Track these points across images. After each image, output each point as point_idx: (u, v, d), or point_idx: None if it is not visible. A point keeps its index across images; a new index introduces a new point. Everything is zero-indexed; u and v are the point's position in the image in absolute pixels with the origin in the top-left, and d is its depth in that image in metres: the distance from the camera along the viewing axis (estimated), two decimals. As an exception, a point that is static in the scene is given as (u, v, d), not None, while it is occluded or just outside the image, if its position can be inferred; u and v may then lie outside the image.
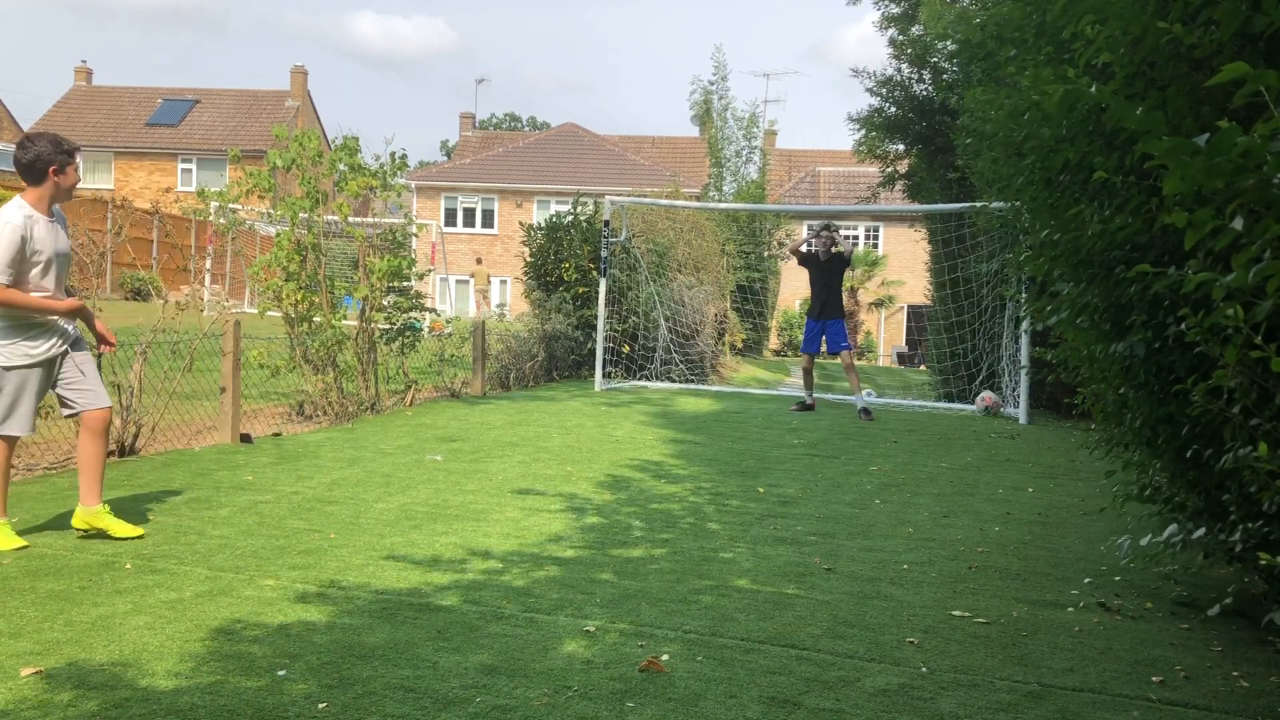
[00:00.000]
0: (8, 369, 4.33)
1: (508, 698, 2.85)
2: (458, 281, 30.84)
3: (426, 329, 11.67)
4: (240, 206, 10.78)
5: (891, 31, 13.35)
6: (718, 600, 3.85)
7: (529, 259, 14.36)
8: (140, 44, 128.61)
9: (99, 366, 4.77)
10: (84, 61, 41.86)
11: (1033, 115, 3.66)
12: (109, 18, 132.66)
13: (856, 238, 34.90)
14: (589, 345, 13.26)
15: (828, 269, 10.51)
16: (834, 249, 10.56)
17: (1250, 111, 1.77)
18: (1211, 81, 1.69)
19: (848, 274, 30.98)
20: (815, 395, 11.23)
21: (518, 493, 5.74)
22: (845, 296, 10.75)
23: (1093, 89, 2.57)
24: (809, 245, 10.92)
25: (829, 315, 10.45)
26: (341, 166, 9.23)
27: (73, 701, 2.72)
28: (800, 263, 10.98)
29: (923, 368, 25.48)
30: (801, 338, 10.89)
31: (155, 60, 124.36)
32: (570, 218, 14.19)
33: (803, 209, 32.00)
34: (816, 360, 11.17)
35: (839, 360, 10.75)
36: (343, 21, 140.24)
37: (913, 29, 12.95)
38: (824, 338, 10.49)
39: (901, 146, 13.30)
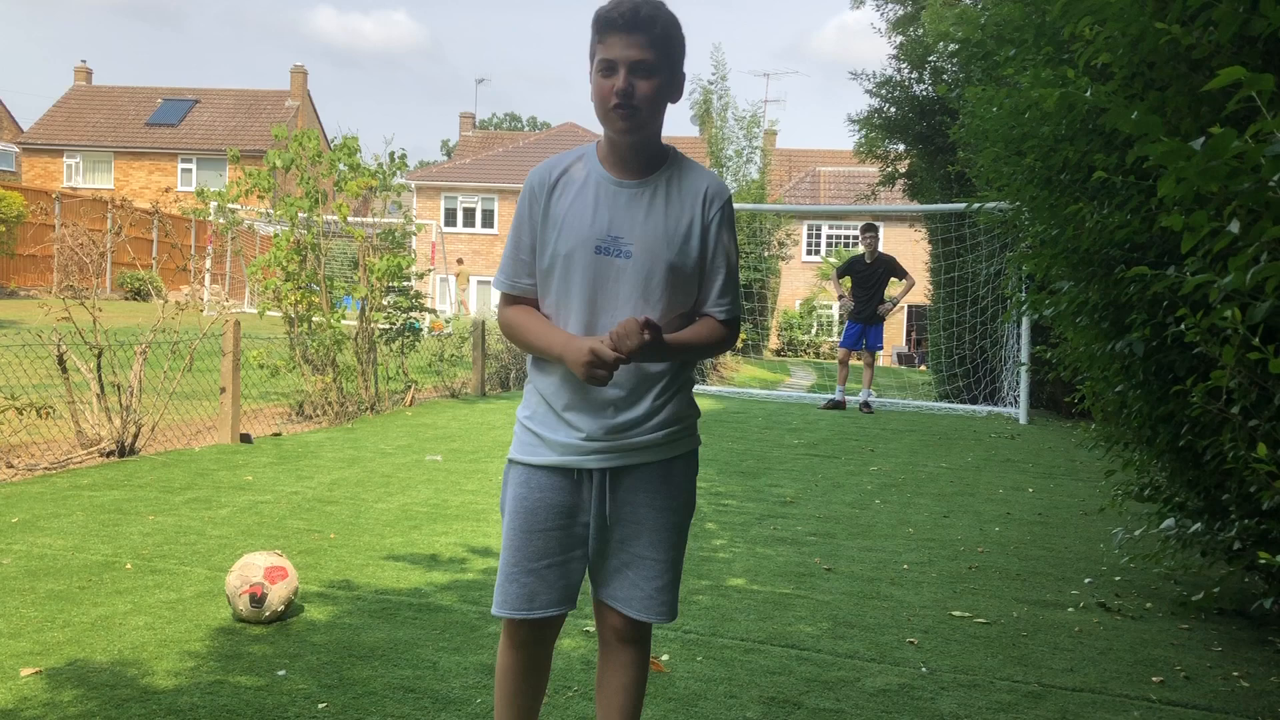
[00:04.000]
0: (510, 463, 2.16)
1: (507, 698, 2.85)
2: (440, 280, 30.87)
3: (426, 329, 11.68)
4: (240, 206, 10.79)
5: (899, 38, 13.39)
6: (717, 600, 3.85)
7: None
8: (102, 40, 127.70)
9: (674, 544, 2.14)
10: (84, 61, 41.86)
11: (1032, 114, 3.67)
12: (59, 6, 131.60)
13: (857, 238, 34.86)
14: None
15: (873, 272, 10.71)
16: (876, 251, 10.81)
17: (1249, 113, 1.77)
18: (1208, 86, 1.69)
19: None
20: (813, 396, 11.35)
21: (518, 493, 5.74)
22: (846, 296, 10.94)
23: (1088, 93, 2.57)
24: (860, 241, 11.04)
25: (874, 321, 10.74)
26: (341, 166, 9.24)
27: (72, 701, 2.72)
28: (842, 274, 11.07)
29: (923, 368, 25.48)
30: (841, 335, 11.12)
31: (140, 59, 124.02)
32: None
33: (803, 209, 31.98)
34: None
35: (859, 358, 11.06)
36: (344, 20, 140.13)
37: (913, 30, 12.96)
38: (864, 339, 10.81)
39: (902, 146, 13.33)
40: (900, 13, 13.64)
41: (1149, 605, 4.07)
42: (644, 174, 2.07)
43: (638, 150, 2.06)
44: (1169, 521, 4.04)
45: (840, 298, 11.13)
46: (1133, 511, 4.67)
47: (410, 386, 9.82)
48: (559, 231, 2.05)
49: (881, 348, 10.96)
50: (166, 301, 7.45)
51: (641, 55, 1.96)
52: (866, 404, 10.83)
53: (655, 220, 2.05)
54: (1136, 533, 4.26)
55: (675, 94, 2.07)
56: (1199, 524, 3.86)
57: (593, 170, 2.08)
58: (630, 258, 2.04)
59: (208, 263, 21.32)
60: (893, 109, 12.63)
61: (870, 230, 10.88)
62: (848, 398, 11.05)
